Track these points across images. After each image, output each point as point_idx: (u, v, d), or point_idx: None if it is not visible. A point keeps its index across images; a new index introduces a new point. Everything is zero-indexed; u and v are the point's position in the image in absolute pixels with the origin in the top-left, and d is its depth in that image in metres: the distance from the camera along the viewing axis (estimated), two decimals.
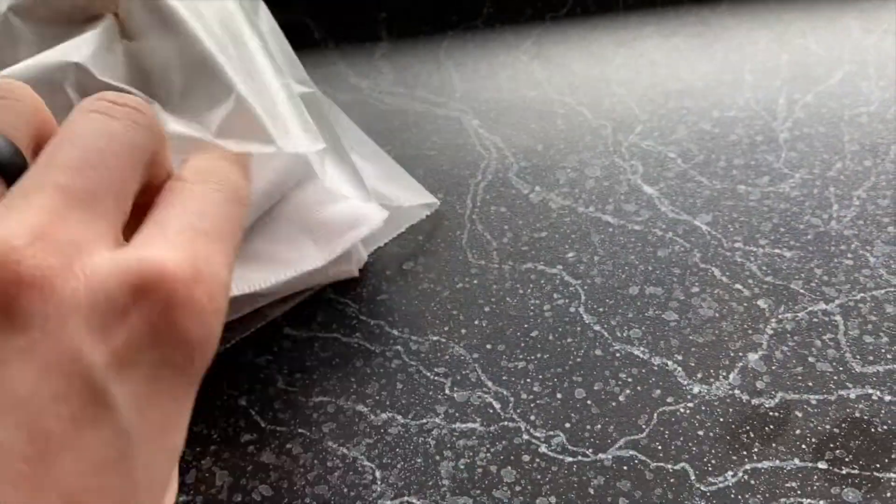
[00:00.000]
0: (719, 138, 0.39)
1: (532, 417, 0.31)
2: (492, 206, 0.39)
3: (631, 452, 0.29)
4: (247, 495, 0.29)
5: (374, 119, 0.43)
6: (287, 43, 0.36)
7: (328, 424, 0.31)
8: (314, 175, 0.33)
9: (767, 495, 0.28)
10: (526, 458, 0.30)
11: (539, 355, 0.33)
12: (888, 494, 0.27)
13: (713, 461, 0.29)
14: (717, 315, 0.33)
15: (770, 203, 0.37)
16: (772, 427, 0.30)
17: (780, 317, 0.33)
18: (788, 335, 0.32)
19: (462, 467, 0.29)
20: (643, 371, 0.32)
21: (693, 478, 0.29)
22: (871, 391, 0.30)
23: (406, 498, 0.29)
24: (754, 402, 0.30)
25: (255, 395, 0.32)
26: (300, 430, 0.31)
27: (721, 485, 0.28)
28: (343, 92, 0.45)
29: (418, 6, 0.47)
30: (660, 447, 0.29)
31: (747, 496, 0.28)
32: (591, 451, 0.30)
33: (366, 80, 0.46)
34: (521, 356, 0.33)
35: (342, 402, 0.32)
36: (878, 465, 0.28)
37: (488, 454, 0.30)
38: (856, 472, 0.28)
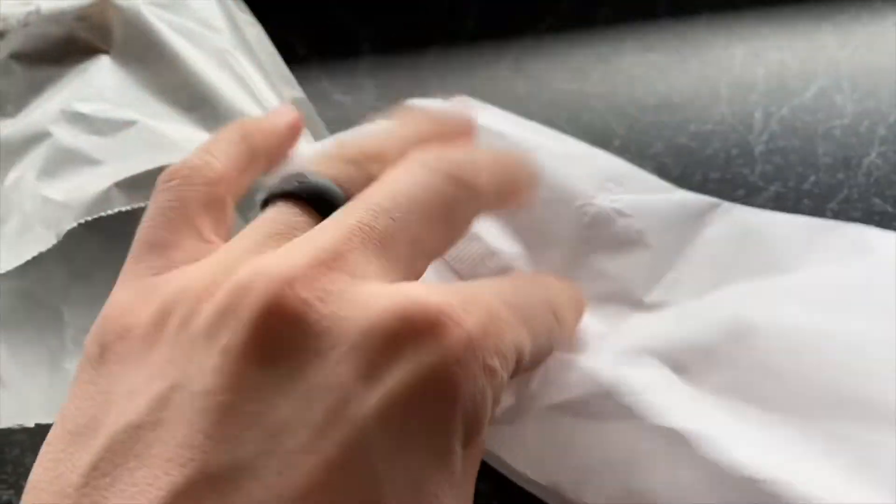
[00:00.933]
0: (696, 152, 0.40)
1: None
2: None
3: None
4: None
5: None
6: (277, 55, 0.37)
7: None
8: None
9: None
10: None
11: None
12: None
13: None
14: None
15: None
16: None
17: None
18: None
19: None
20: None
21: None
22: None
23: None
24: None
25: None
26: None
27: None
28: (327, 109, 0.45)
29: (401, 22, 0.48)
30: None
31: None
32: None
33: (349, 97, 0.46)
34: None
35: None
36: None
37: None
38: None
